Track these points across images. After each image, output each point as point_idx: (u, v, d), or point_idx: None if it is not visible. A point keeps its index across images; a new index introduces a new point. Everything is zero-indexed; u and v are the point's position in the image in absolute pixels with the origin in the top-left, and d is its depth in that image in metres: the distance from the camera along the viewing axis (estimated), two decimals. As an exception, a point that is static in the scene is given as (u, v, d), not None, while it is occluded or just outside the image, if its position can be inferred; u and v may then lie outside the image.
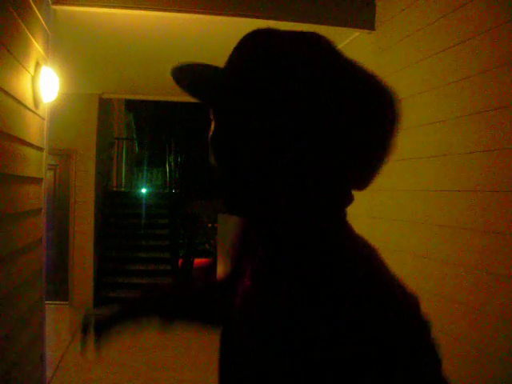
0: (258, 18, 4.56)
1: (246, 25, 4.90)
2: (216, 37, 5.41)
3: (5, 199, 3.02)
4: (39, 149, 3.92)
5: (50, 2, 4.17)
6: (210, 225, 15.13)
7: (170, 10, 4.49)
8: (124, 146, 17.16)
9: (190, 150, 13.79)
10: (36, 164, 3.85)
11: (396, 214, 4.32)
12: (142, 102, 16.80)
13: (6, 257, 3.03)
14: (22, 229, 3.46)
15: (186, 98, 9.74)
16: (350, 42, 5.28)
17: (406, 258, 4.03)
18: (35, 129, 3.75)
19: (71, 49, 5.73)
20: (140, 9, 4.47)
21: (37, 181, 3.89)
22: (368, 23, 4.81)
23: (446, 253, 3.57)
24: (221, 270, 9.60)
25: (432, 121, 3.83)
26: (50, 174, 9.05)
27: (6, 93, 2.95)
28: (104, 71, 7.44)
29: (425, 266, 3.80)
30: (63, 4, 4.34)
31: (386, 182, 4.20)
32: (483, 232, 3.18)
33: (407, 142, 4.00)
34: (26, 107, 3.43)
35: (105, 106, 10.08)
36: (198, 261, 12.42)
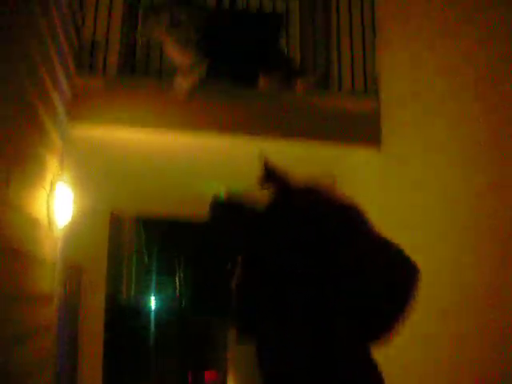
0: (265, 137, 4.74)
1: (257, 145, 5.09)
2: (225, 155, 5.58)
3: (16, 319, 3.01)
4: (50, 266, 3.95)
5: (66, 121, 4.34)
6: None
7: (179, 130, 4.69)
8: (134, 258, 17.14)
9: (200, 264, 13.77)
10: (47, 281, 3.87)
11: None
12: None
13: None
14: (34, 348, 3.43)
15: (198, 217, 9.89)
16: (356, 161, 5.40)
17: None
18: (48, 246, 3.80)
19: (84, 165, 5.89)
20: (148, 129, 4.66)
21: (48, 298, 3.90)
22: (374, 142, 4.92)
23: None
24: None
25: (442, 238, 3.85)
26: (60, 289, 9.02)
27: (22, 211, 3.02)
28: (116, 188, 7.59)
29: None
30: (78, 123, 4.52)
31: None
32: None
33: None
34: (40, 225, 3.49)
35: (116, 220, 10.18)
36: (208, 375, 12.08)
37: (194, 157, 5.68)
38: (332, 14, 5.71)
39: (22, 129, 3.02)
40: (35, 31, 3.18)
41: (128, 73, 5.13)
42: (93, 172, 6.36)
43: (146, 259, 19.70)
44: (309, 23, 5.47)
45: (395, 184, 4.65)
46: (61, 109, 4.05)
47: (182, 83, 4.67)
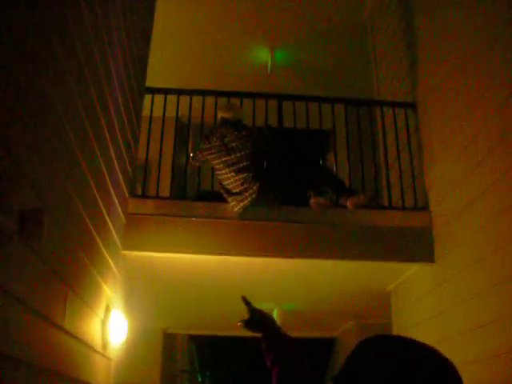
0: (317, 258, 4.77)
1: (302, 264, 5.11)
2: (273, 274, 5.61)
3: None
4: (105, 390, 3.94)
5: (121, 248, 4.46)
6: None
7: (228, 255, 4.76)
8: (187, 377, 16.86)
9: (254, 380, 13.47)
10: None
11: None
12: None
13: None
14: None
15: (248, 333, 9.81)
16: (411, 274, 5.36)
17: None
18: (102, 370, 3.81)
19: (137, 288, 5.97)
20: (201, 253, 4.75)
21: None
22: (427, 256, 4.91)
23: None
24: None
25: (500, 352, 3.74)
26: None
27: (77, 339, 3.06)
28: (168, 308, 7.64)
29: None
30: (132, 249, 4.64)
31: None
32: None
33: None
34: (94, 351, 3.52)
35: (169, 338, 10.14)
36: None
37: (242, 276, 5.73)
38: (378, 130, 5.85)
39: (79, 255, 3.11)
40: (94, 159, 3.36)
41: (180, 197, 5.29)
42: (145, 292, 6.44)
43: (199, 377, 19.34)
44: (356, 140, 5.59)
45: (450, 294, 4.58)
46: (115, 234, 4.17)
47: (235, 206, 4.78)
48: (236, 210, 4.80)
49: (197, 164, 5.30)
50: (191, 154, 5.42)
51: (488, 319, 3.91)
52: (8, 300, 2.04)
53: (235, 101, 5.40)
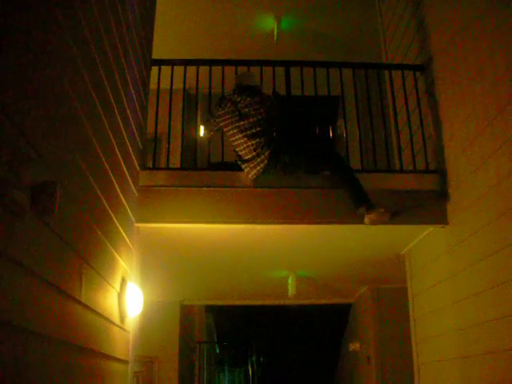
0: (330, 223, 4.77)
1: (316, 230, 5.12)
2: (287, 241, 5.62)
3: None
4: (124, 362, 3.99)
5: (134, 221, 4.48)
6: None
7: (242, 223, 4.78)
8: (205, 348, 17.05)
9: (271, 350, 13.62)
10: (121, 377, 3.90)
11: None
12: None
13: None
14: None
15: (266, 301, 9.89)
16: (424, 237, 5.36)
17: None
18: (120, 342, 3.85)
19: (152, 261, 6.00)
20: (214, 223, 4.76)
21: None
22: (440, 219, 4.91)
23: None
24: None
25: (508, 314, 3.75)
26: (132, 381, 9.03)
27: (94, 311, 3.09)
28: (184, 280, 7.69)
29: None
30: (146, 222, 4.66)
31: None
32: None
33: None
34: (112, 323, 3.56)
35: (185, 310, 10.23)
36: None
37: (256, 244, 5.76)
38: (387, 94, 5.80)
39: (93, 229, 3.13)
40: (104, 133, 3.36)
41: (191, 167, 5.29)
42: (160, 265, 6.49)
43: (218, 348, 19.55)
44: (365, 105, 5.54)
45: (463, 256, 4.59)
46: (128, 207, 4.19)
47: (250, 172, 4.78)
48: (250, 176, 4.80)
49: (210, 133, 5.24)
50: (203, 126, 5.38)
51: (501, 280, 3.91)
52: (23, 274, 2.05)
53: (242, 70, 5.36)
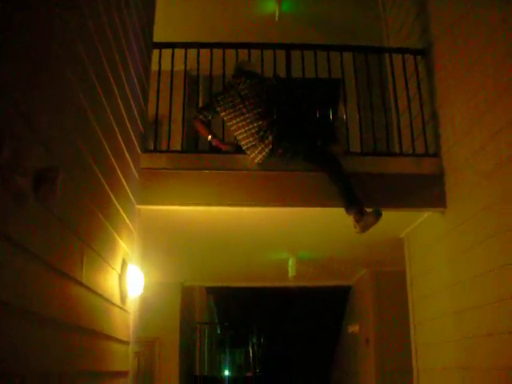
0: (327, 206, 4.80)
1: (316, 213, 5.15)
2: (287, 223, 5.65)
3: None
4: (124, 342, 4.04)
5: (135, 203, 4.52)
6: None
7: (242, 206, 4.81)
8: (206, 328, 17.15)
9: (272, 330, 13.69)
10: (122, 357, 3.96)
11: None
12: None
13: None
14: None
15: (267, 283, 9.94)
16: (423, 221, 5.39)
17: None
18: (121, 323, 3.90)
19: (153, 243, 6.04)
20: (215, 205, 4.80)
21: (122, 374, 3.97)
22: (439, 202, 4.94)
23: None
24: None
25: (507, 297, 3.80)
26: (133, 362, 9.12)
27: (95, 293, 3.13)
28: (185, 262, 7.74)
29: None
30: (147, 204, 4.70)
31: None
32: None
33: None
34: (113, 304, 3.60)
35: (187, 292, 10.30)
36: None
37: (257, 226, 5.79)
38: (388, 77, 5.79)
39: (94, 211, 3.16)
40: (105, 117, 3.38)
41: (192, 150, 5.31)
42: (162, 247, 6.53)
43: (219, 329, 19.68)
44: (365, 89, 5.54)
45: (461, 239, 4.63)
46: (129, 190, 4.22)
47: (256, 157, 4.79)
48: (256, 161, 4.82)
49: (208, 117, 5.17)
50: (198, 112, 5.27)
51: (497, 264, 3.95)
52: (26, 257, 2.09)
53: (243, 52, 5.36)
